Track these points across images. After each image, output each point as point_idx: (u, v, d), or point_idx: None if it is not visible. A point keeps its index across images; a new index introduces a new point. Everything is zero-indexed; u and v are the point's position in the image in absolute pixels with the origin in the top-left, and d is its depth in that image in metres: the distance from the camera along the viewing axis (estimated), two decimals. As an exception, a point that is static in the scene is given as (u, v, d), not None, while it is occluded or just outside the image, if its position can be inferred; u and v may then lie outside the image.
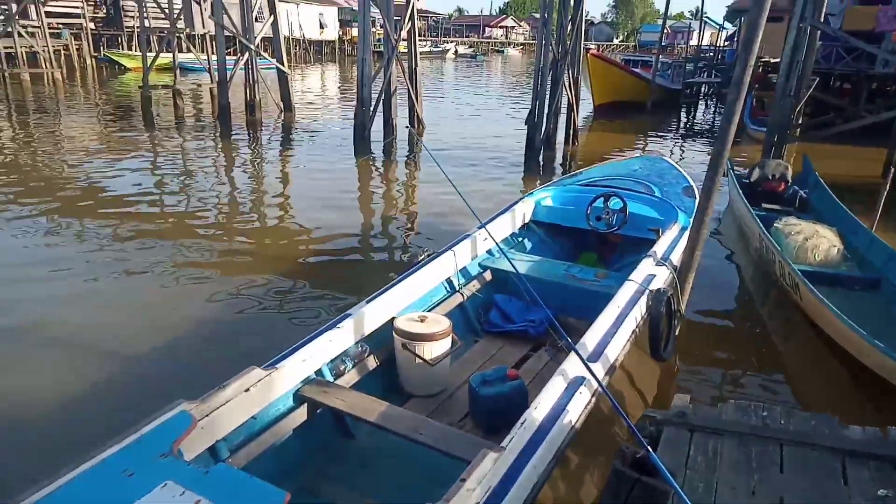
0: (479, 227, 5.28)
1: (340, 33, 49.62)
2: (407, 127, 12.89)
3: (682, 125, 20.20)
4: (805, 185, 8.80)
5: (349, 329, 3.91)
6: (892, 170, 7.76)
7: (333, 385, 3.69)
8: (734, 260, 7.59)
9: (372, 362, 4.11)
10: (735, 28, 29.66)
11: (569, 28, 12.88)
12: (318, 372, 3.72)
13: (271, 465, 3.24)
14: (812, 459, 2.56)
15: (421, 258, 4.93)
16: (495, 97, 26.22)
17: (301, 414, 3.52)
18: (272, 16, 15.99)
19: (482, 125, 17.67)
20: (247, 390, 3.15)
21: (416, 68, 14.71)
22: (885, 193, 7.30)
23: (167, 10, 17.60)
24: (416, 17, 14.47)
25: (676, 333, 4.83)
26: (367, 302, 4.14)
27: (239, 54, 16.22)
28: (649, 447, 1.76)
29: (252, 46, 15.33)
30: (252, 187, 10.50)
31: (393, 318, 4.19)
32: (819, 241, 6.70)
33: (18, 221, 7.87)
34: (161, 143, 13.30)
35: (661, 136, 17.34)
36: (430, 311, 4.55)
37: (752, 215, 7.40)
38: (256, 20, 16.76)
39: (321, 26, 47.10)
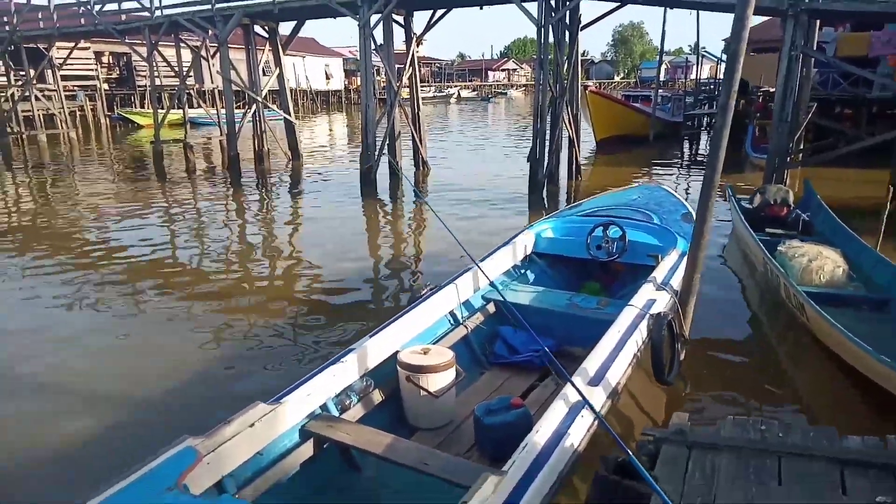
0: (475, 265, 5.33)
1: (346, 83, 50.91)
2: (399, 171, 13.07)
3: (685, 156, 20.38)
4: (808, 209, 8.83)
5: (353, 363, 3.97)
6: (893, 190, 7.82)
7: (339, 419, 3.73)
8: (740, 285, 7.59)
9: (377, 396, 4.15)
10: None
11: (565, 66, 13.21)
12: (324, 407, 3.77)
13: (279, 500, 3.27)
14: (811, 471, 2.56)
15: (423, 292, 5.00)
16: (499, 137, 26.66)
17: (307, 449, 3.55)
18: (278, 68, 16.54)
19: (487, 164, 17.96)
20: (252, 425, 3.20)
21: (418, 112, 15.09)
22: (887, 213, 7.34)
23: (177, 68, 18.26)
24: (417, 63, 14.91)
25: (681, 358, 4.84)
26: (371, 336, 4.20)
27: (247, 107, 16.74)
28: (630, 452, 1.79)
29: (259, 99, 15.82)
30: (262, 232, 10.72)
31: (397, 352, 4.25)
32: (823, 263, 6.71)
33: (35, 272, 8.08)
34: (173, 194, 13.65)
35: (664, 168, 17.50)
36: (434, 344, 4.60)
37: (756, 240, 7.43)
38: (263, 73, 17.41)
39: (327, 77, 48.40)
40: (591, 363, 3.77)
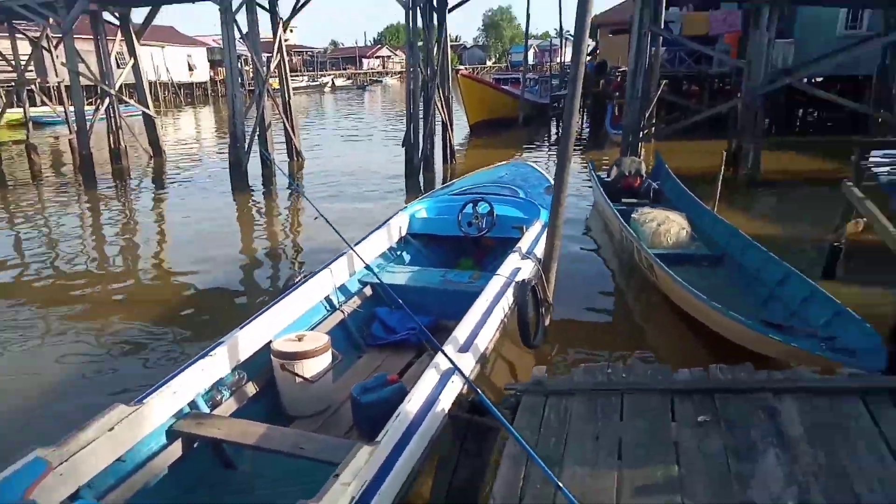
0: (356, 244, 5.40)
1: (212, 74, 48.32)
2: (270, 161, 12.76)
3: (552, 136, 21.39)
4: (658, 178, 9.65)
5: (223, 356, 3.87)
6: (725, 156, 8.75)
7: (209, 416, 3.62)
8: (601, 253, 8.18)
9: (251, 389, 4.08)
10: (594, 43, 32.07)
11: (435, 49, 13.40)
12: (193, 404, 3.65)
13: None
14: (647, 403, 2.88)
15: (297, 280, 4.97)
16: (376, 125, 26.57)
17: (176, 449, 3.42)
18: (132, 59, 15.43)
19: (364, 153, 17.88)
20: (111, 429, 3.05)
21: (289, 101, 14.71)
22: (721, 179, 8.22)
23: (13, 62, 16.53)
24: (285, 50, 14.51)
25: (546, 322, 5.17)
26: (241, 328, 4.12)
27: (99, 102, 15.48)
28: (479, 391, 1.95)
29: (112, 92, 14.69)
30: (123, 234, 10.03)
31: (270, 342, 4.20)
32: (670, 226, 7.38)
33: None
34: (16, 201, 12.38)
35: (535, 147, 18.30)
36: (310, 331, 4.59)
37: (613, 210, 8.02)
38: (117, 65, 16.16)
39: (190, 68, 45.63)
40: (461, 332, 3.95)
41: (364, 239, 5.84)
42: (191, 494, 3.36)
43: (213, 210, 11.12)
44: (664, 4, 14.52)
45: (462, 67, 22.57)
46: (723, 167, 8.61)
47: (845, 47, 14.48)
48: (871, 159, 7.05)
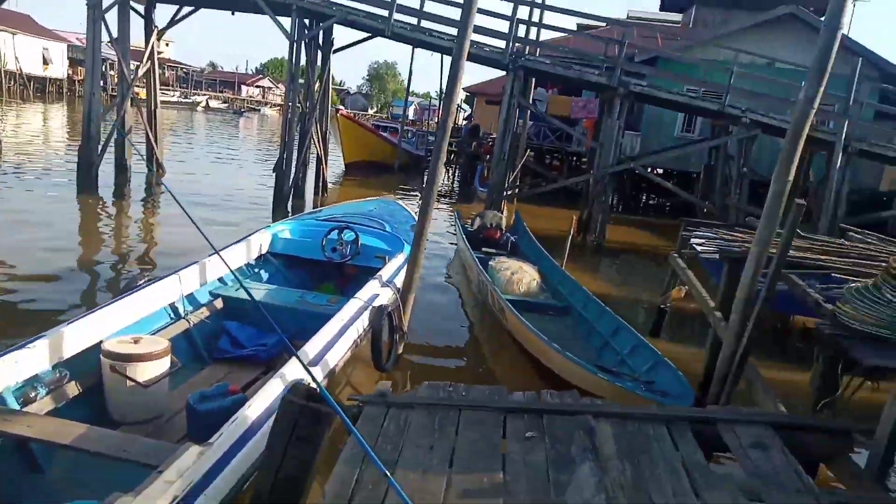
0: (212, 254, 5.19)
1: (70, 72, 44.52)
2: (145, 166, 11.98)
3: (424, 185, 21.98)
4: (516, 233, 10.31)
5: (43, 351, 3.53)
6: (576, 222, 9.56)
7: (19, 412, 3.26)
8: (459, 295, 8.49)
9: (73, 389, 3.72)
10: (470, 109, 33.87)
11: (317, 85, 13.47)
12: (0, 399, 3.28)
13: None
14: (482, 419, 3.04)
15: (139, 283, 4.67)
16: (249, 151, 25.80)
17: None
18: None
19: (233, 175, 17.30)
20: None
21: (155, 110, 13.96)
22: (570, 240, 9.01)
23: None
24: (156, 58, 13.83)
25: (399, 350, 5.26)
26: (69, 324, 3.79)
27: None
28: (317, 380, 1.97)
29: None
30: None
31: (101, 342, 3.89)
32: (523, 276, 7.88)
33: None
34: None
35: (406, 193, 18.71)
36: (149, 335, 4.30)
37: (473, 257, 8.40)
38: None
39: (45, 62, 41.77)
40: (311, 346, 3.93)
41: (222, 250, 5.62)
42: None
43: (52, 210, 10.10)
44: (533, 84, 15.86)
45: (342, 108, 22.73)
46: (573, 230, 9.41)
47: (679, 145, 16.70)
48: (693, 241, 8.08)
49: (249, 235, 6.23)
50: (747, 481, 2.72)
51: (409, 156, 24.30)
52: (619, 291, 9.53)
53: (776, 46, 16.67)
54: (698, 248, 6.12)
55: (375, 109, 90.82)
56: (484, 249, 9.39)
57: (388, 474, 1.93)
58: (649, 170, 17.69)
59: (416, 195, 18.67)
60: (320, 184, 14.55)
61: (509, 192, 14.40)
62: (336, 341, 4.19)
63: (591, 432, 2.99)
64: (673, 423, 3.17)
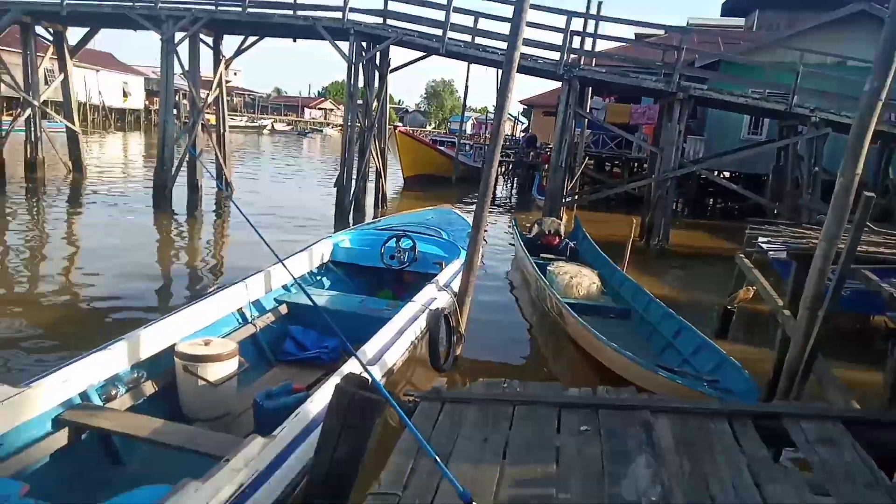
0: (276, 263, 5.40)
1: (147, 103, 47.29)
2: (215, 185, 12.61)
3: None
4: (575, 239, 10.21)
5: (123, 352, 3.77)
6: (639, 225, 9.39)
7: (102, 408, 3.51)
8: (519, 303, 8.48)
9: (150, 388, 3.96)
10: (528, 121, 33.84)
11: (374, 104, 13.82)
12: (84, 395, 3.53)
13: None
14: (536, 414, 3.04)
15: (210, 290, 4.92)
16: (313, 170, 26.64)
17: (60, 438, 3.28)
18: (63, 75, 15.04)
19: (297, 191, 17.96)
20: None
21: (224, 134, 14.67)
22: (630, 243, 8.86)
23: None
24: (226, 90, 14.58)
25: (458, 351, 5.32)
26: (145, 327, 4.03)
27: (19, 110, 14.87)
28: (371, 373, 2.05)
29: (35, 103, 14.19)
30: (31, 244, 9.52)
31: (174, 345, 4.11)
32: (582, 280, 7.80)
33: None
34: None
35: (465, 205, 18.82)
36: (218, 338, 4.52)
37: (532, 263, 8.38)
38: (47, 82, 15.74)
39: (125, 94, 44.56)
40: (370, 347, 4.03)
41: (286, 259, 5.85)
42: (71, 487, 3.19)
43: (131, 228, 10.78)
44: (589, 93, 15.73)
45: (400, 125, 23.21)
46: (634, 234, 9.23)
47: (743, 147, 16.11)
48: (759, 240, 7.80)
49: (312, 245, 6.44)
50: (814, 476, 2.62)
51: (466, 168, 24.49)
52: (684, 295, 9.26)
53: (847, 45, 15.85)
54: (765, 246, 5.90)
55: (433, 126, 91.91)
56: (542, 255, 9.35)
57: (440, 462, 1.98)
58: (716, 173, 17.12)
59: (473, 206, 18.76)
60: (380, 197, 14.86)
61: (568, 199, 14.29)
62: (394, 342, 4.28)
63: (648, 427, 2.94)
64: (735, 418, 3.08)
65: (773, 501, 2.40)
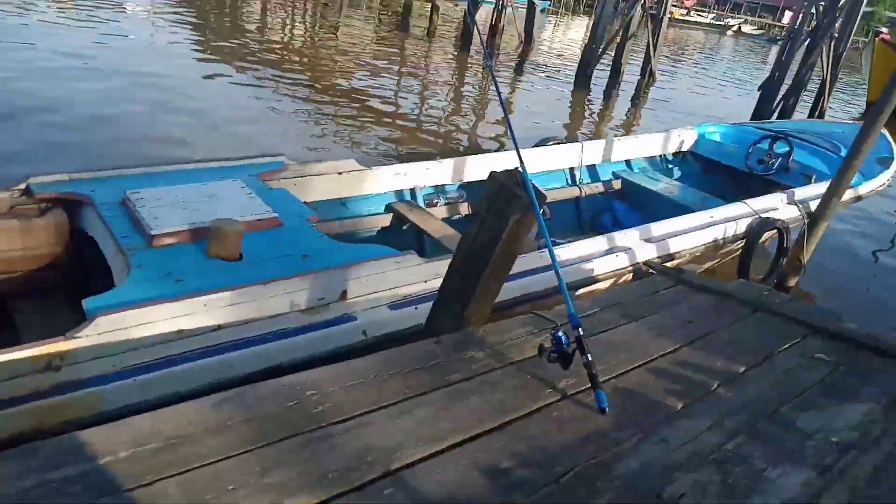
0: (619, 136, 5.34)
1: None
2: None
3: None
4: None
5: (449, 168, 4.30)
6: None
7: (423, 209, 4.04)
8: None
9: (464, 209, 4.41)
10: None
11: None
12: (412, 194, 4.17)
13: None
14: (773, 327, 2.58)
15: (550, 143, 5.24)
16: (759, 76, 23.81)
17: (385, 220, 3.94)
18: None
19: (714, 95, 16.84)
20: (339, 174, 3.70)
21: (661, 22, 14.23)
22: None
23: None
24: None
25: (790, 283, 4.55)
26: (479, 155, 4.59)
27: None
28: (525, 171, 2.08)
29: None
30: (472, 95, 11.64)
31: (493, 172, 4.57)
32: None
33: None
34: (411, 48, 15.24)
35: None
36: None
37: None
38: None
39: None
40: (661, 226, 3.81)
41: (638, 135, 5.74)
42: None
43: (551, 100, 12.10)
44: None
45: (884, 31, 17.53)
46: None
47: None
48: None
49: (676, 129, 6.08)
50: None
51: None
52: None
53: None
54: None
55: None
56: None
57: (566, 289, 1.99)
58: None
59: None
60: (815, 115, 12.63)
61: None
62: (691, 231, 3.93)
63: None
64: None
65: None
